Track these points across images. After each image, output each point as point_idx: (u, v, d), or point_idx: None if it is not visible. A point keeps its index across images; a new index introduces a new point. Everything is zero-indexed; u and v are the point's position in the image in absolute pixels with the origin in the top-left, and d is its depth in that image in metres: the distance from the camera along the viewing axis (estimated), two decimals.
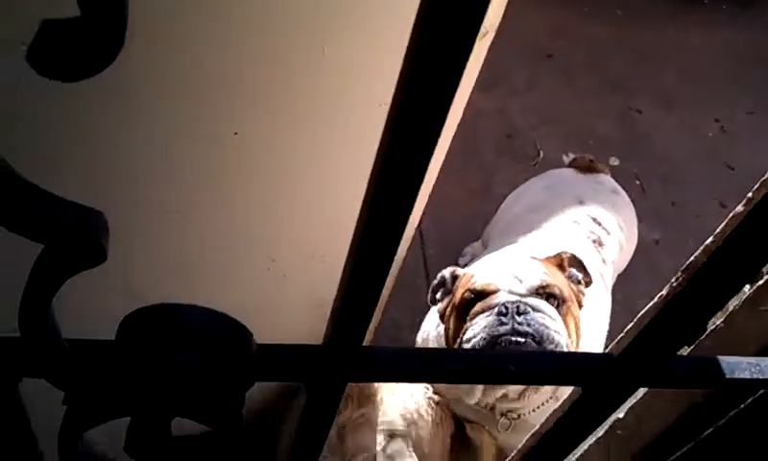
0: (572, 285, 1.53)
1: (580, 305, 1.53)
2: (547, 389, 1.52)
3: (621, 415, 0.78)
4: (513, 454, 0.61)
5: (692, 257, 0.64)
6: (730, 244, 0.38)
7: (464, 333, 1.43)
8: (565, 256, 1.57)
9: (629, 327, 0.65)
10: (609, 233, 1.85)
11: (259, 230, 1.01)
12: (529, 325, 1.40)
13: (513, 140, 2.86)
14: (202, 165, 0.86)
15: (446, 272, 1.60)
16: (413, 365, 0.45)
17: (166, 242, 0.91)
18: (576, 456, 0.85)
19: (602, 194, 1.97)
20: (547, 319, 1.41)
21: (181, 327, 0.36)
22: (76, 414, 0.42)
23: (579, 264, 1.56)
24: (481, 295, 1.47)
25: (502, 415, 1.60)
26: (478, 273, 1.52)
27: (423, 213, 1.77)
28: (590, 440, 0.83)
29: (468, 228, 2.40)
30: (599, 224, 1.85)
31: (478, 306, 1.46)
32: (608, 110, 3.05)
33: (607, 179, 2.07)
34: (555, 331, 1.41)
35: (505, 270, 1.49)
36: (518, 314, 1.41)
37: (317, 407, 0.46)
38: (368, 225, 0.34)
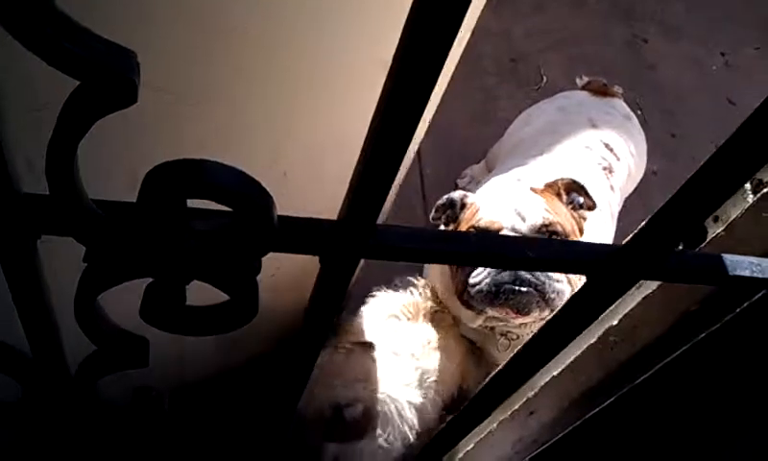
0: (573, 213, 1.55)
1: (581, 231, 1.55)
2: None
3: (615, 321, 0.80)
4: (518, 348, 0.63)
5: None
6: (729, 145, 0.40)
7: (466, 274, 1.43)
8: (562, 183, 1.56)
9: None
10: (619, 160, 1.84)
11: (264, 127, 1.01)
12: (531, 272, 1.41)
13: (516, 64, 2.82)
14: (208, 53, 0.85)
15: (456, 195, 1.59)
16: (429, 244, 0.46)
17: (171, 129, 0.91)
18: (568, 362, 0.88)
19: (615, 118, 1.95)
20: None
21: (208, 183, 0.36)
22: (95, 272, 0.43)
23: (580, 188, 1.56)
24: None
25: (501, 335, 1.63)
26: (483, 207, 1.52)
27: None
28: (583, 345, 0.85)
29: (468, 150, 2.39)
30: (611, 150, 1.84)
31: None
32: (614, 38, 3.01)
33: (620, 103, 2.04)
34: (557, 281, 1.43)
35: (509, 206, 1.49)
36: None
37: (330, 282, 0.47)
38: (390, 98, 0.34)
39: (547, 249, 0.48)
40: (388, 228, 0.45)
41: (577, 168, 1.72)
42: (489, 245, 0.47)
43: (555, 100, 2.08)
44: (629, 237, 0.50)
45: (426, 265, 1.77)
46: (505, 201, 1.51)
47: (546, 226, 1.45)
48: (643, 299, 0.73)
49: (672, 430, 0.82)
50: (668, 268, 0.51)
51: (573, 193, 1.56)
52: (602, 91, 2.05)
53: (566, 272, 0.49)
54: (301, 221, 0.44)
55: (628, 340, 0.78)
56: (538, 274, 1.40)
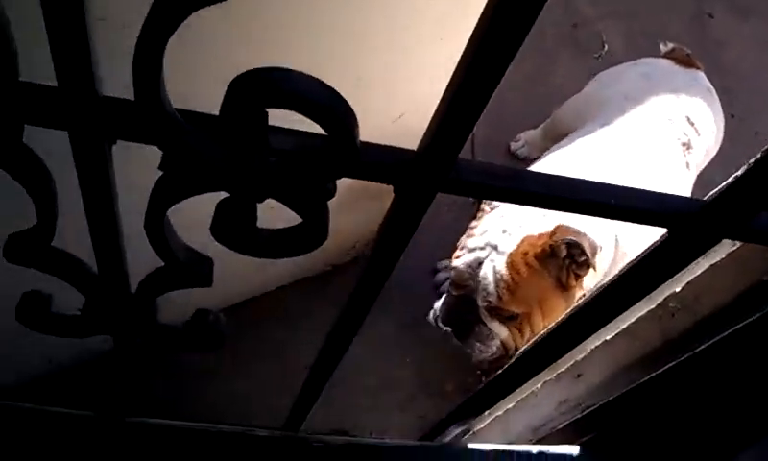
0: (564, 270, 1.45)
1: (569, 288, 1.47)
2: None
3: (678, 288, 0.77)
4: (589, 293, 0.61)
5: None
6: None
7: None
8: (561, 243, 1.42)
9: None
10: (699, 135, 1.77)
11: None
12: None
13: (577, 30, 2.75)
14: None
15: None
16: (508, 183, 0.44)
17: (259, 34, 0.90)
18: (623, 327, 0.86)
19: (698, 91, 1.86)
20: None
21: (295, 93, 0.35)
22: (170, 181, 0.42)
23: (576, 248, 1.42)
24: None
25: None
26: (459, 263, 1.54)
27: None
28: (640, 312, 0.83)
29: (521, 113, 2.35)
30: (692, 124, 1.76)
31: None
32: (680, 11, 2.91)
33: (701, 75, 1.95)
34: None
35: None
36: None
37: (404, 214, 0.46)
38: (490, 26, 0.32)
39: (632, 198, 0.46)
40: (469, 163, 0.44)
41: (655, 143, 1.67)
42: (571, 190, 0.45)
43: (638, 65, 1.99)
44: (714, 192, 0.48)
45: None
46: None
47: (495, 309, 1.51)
48: (710, 267, 0.71)
49: (727, 404, 0.80)
50: (753, 228, 0.48)
51: (573, 249, 1.43)
52: (686, 61, 1.95)
53: (648, 223, 0.47)
54: (382, 148, 0.43)
55: (690, 309, 0.76)
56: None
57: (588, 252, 1.40)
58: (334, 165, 0.40)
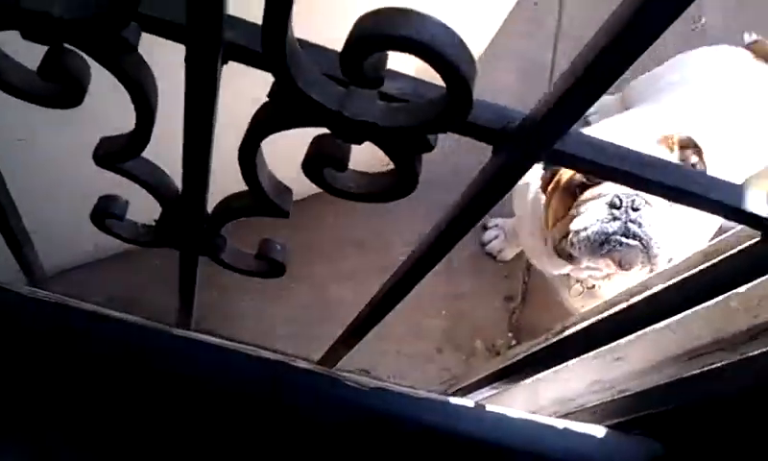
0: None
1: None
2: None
3: (742, 289, 0.76)
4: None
5: None
6: None
7: (571, 221, 1.38)
8: (678, 139, 1.44)
9: None
10: (756, 137, 1.70)
11: None
12: (641, 225, 1.34)
13: None
14: None
15: None
16: (616, 162, 0.43)
17: None
18: (679, 316, 0.85)
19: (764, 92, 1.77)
20: (659, 220, 1.35)
21: (420, 41, 0.34)
22: (275, 109, 0.42)
23: (695, 147, 1.44)
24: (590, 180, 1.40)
25: (577, 281, 1.59)
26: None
27: None
28: (699, 305, 0.82)
29: None
30: (749, 125, 1.70)
31: (588, 193, 1.39)
32: None
33: None
34: (660, 243, 1.35)
35: None
36: (633, 210, 1.34)
37: (500, 177, 0.45)
38: None
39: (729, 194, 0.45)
40: (578, 136, 0.43)
41: (705, 134, 1.62)
42: (691, 178, 0.44)
43: (715, 53, 1.90)
44: None
45: (516, 205, 1.72)
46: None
47: None
48: None
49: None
50: None
51: (687, 150, 1.45)
52: (766, 56, 1.85)
53: (746, 224, 0.46)
54: (491, 108, 0.42)
55: (750, 311, 0.75)
56: (646, 228, 1.34)
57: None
58: (444, 120, 0.39)
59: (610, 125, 1.63)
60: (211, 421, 0.81)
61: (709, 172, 1.49)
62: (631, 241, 1.34)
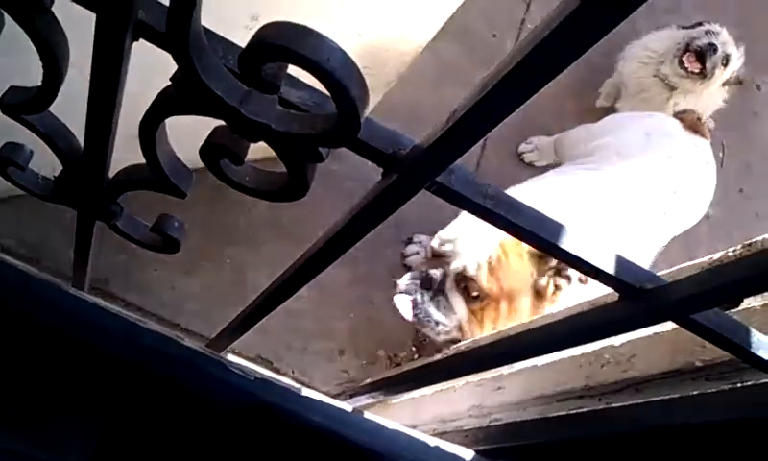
0: (539, 279, 1.47)
1: (542, 297, 1.48)
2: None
3: (617, 343, 0.81)
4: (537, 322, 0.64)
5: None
6: None
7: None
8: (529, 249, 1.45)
9: None
10: (679, 206, 1.80)
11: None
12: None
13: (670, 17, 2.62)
14: None
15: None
16: (483, 201, 0.46)
17: None
18: (555, 359, 0.89)
19: (695, 163, 1.88)
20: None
21: (313, 60, 0.36)
22: (177, 93, 0.43)
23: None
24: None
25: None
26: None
27: None
28: (576, 352, 0.86)
29: (540, 118, 2.27)
30: (674, 192, 1.79)
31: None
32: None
33: (706, 145, 1.96)
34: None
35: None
36: None
37: (385, 198, 0.47)
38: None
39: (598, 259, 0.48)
40: (463, 173, 0.45)
41: (633, 206, 1.69)
42: (552, 235, 0.47)
43: (645, 119, 2.01)
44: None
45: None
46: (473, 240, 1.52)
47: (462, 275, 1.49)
48: (654, 334, 0.74)
49: None
50: (696, 321, 0.51)
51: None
52: (694, 127, 1.97)
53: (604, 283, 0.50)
54: (384, 131, 0.44)
55: (621, 365, 0.79)
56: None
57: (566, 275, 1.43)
58: (333, 136, 0.41)
59: (536, 186, 1.70)
60: (84, 382, 0.81)
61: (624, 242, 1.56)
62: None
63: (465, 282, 1.49)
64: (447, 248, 1.53)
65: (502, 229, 0.47)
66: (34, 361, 0.81)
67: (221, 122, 0.45)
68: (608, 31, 0.29)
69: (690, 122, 1.98)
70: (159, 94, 0.44)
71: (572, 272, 1.43)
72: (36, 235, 1.65)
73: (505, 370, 0.99)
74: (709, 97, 2.18)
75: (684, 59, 2.04)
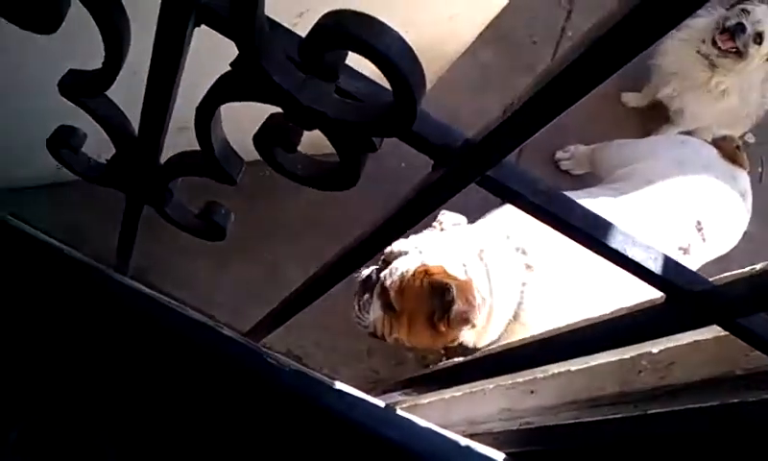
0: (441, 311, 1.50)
1: (436, 327, 1.52)
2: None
3: (655, 350, 0.80)
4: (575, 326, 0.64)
5: None
6: None
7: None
8: (454, 293, 1.48)
9: None
10: (704, 241, 1.74)
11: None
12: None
13: None
14: None
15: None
16: (535, 197, 0.46)
17: None
18: (591, 364, 0.89)
19: (728, 194, 1.82)
20: None
21: (375, 48, 0.36)
22: (236, 79, 0.44)
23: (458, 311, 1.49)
24: None
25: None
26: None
27: None
28: (612, 357, 0.85)
29: (583, 127, 2.25)
30: (700, 229, 1.73)
31: None
32: None
33: (743, 176, 1.89)
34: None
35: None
36: None
37: (434, 189, 0.48)
38: None
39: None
40: (513, 169, 0.45)
41: (652, 237, 1.65)
42: (602, 232, 0.47)
43: (681, 146, 1.96)
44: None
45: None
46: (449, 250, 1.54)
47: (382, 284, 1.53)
48: (693, 342, 0.73)
49: None
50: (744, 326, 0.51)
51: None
52: (731, 156, 1.89)
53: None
54: (437, 124, 0.44)
55: (658, 372, 0.79)
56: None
57: (458, 319, 1.47)
58: (388, 126, 0.42)
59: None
60: (126, 363, 0.83)
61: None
62: None
63: (383, 292, 1.56)
64: (391, 258, 1.57)
65: (551, 225, 0.47)
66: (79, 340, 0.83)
67: (271, 111, 0.45)
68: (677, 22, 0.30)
69: (729, 151, 1.91)
70: (218, 79, 0.45)
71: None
72: (73, 223, 1.68)
73: (538, 373, 0.99)
74: (753, 82, 2.15)
75: (717, 38, 2.05)
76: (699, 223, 1.74)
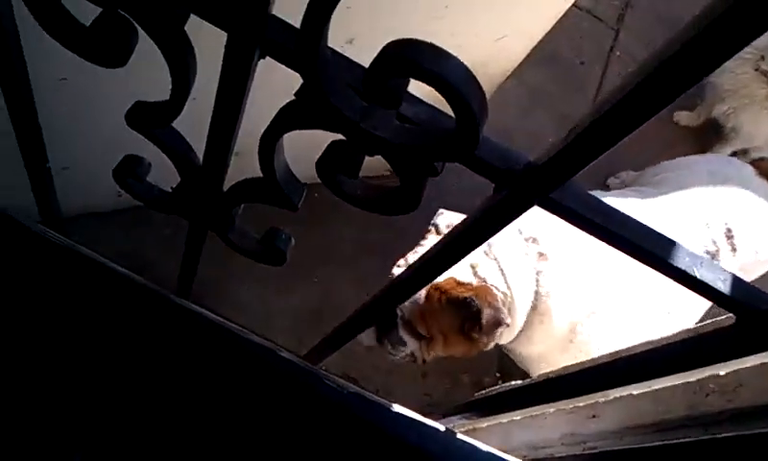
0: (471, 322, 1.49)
1: (470, 337, 1.51)
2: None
3: (721, 373, 0.78)
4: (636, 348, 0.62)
5: None
6: None
7: None
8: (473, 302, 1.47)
9: None
10: (734, 251, 1.68)
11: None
12: None
13: None
14: None
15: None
16: (597, 217, 0.46)
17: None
18: (654, 388, 0.87)
19: (763, 209, 1.77)
20: None
21: (440, 76, 0.37)
22: (300, 108, 0.44)
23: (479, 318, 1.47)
24: None
25: None
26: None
27: None
28: (677, 381, 0.84)
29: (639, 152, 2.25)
30: (730, 237, 1.68)
31: None
32: None
33: None
34: None
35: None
36: None
37: (502, 213, 0.48)
38: None
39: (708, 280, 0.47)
40: (575, 189, 0.45)
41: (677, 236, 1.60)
42: (661, 249, 0.46)
43: (718, 161, 1.93)
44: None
45: None
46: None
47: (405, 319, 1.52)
48: (761, 364, 0.71)
49: None
50: None
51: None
52: None
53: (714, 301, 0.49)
54: (498, 147, 0.44)
55: (726, 395, 0.77)
56: None
57: (491, 325, 1.45)
58: (451, 150, 0.42)
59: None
60: (190, 389, 0.84)
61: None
62: None
63: (408, 324, 1.55)
64: None
65: (615, 247, 0.47)
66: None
67: (329, 139, 0.46)
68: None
69: (766, 169, 1.87)
70: (282, 108, 0.45)
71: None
72: (133, 251, 1.72)
73: (601, 398, 0.97)
74: None
75: None
76: (729, 230, 1.68)
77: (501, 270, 1.51)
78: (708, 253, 1.66)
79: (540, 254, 1.54)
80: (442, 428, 0.93)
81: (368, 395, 0.94)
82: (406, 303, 1.51)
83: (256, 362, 0.82)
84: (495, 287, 1.48)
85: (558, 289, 1.52)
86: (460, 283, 1.48)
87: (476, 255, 1.52)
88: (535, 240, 1.54)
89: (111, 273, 0.79)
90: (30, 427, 0.92)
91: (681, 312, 1.59)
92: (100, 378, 0.87)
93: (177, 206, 0.63)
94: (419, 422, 0.94)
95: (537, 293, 1.53)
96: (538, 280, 1.52)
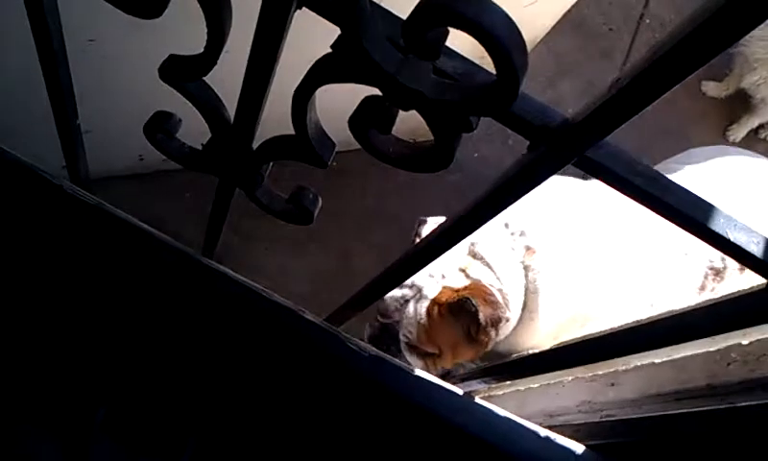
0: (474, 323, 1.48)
1: (477, 340, 1.51)
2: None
3: (745, 342, 0.78)
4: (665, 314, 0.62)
5: None
6: None
7: None
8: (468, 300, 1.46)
9: None
10: (742, 272, 1.62)
11: None
12: None
13: None
14: None
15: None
16: (635, 178, 0.45)
17: None
18: (675, 357, 0.87)
19: None
20: None
21: (481, 26, 0.36)
22: (335, 61, 0.44)
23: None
24: None
25: None
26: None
27: None
28: (699, 349, 0.83)
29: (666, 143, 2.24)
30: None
31: None
32: None
33: None
34: None
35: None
36: None
37: (528, 173, 0.48)
38: None
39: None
40: (612, 149, 0.45)
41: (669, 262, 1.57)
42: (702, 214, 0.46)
43: (736, 152, 1.88)
44: None
45: None
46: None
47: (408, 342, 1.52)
48: None
49: None
50: None
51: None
52: None
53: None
54: (535, 103, 0.44)
55: (748, 365, 0.77)
56: None
57: (490, 322, 1.45)
58: (489, 104, 0.41)
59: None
60: (215, 348, 0.85)
61: None
62: None
63: (414, 347, 1.56)
64: (388, 313, 1.56)
65: (649, 207, 0.46)
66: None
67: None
68: None
69: None
70: (318, 61, 0.45)
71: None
72: (155, 214, 1.73)
73: (621, 366, 0.97)
74: None
75: None
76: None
77: (489, 266, 1.51)
78: (711, 269, 1.62)
79: (528, 248, 1.53)
80: (460, 392, 0.93)
81: (388, 358, 0.95)
82: (409, 328, 1.53)
83: (280, 322, 0.83)
84: (490, 285, 1.49)
85: (546, 283, 1.53)
86: (456, 291, 1.49)
87: (462, 257, 1.53)
88: (522, 233, 1.53)
89: (139, 231, 0.80)
90: (55, 382, 0.94)
91: (663, 304, 1.57)
92: (126, 335, 0.88)
93: (207, 164, 0.63)
94: (436, 385, 0.95)
95: (525, 288, 1.54)
96: (526, 275, 1.53)
